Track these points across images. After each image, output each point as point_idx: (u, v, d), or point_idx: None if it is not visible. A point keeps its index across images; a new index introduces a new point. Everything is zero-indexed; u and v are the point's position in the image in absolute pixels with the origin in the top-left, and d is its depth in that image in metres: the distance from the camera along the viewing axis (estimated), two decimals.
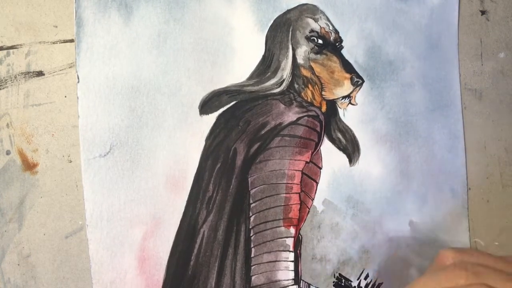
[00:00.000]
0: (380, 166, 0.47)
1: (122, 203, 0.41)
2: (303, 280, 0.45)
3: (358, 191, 0.46)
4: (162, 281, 0.42)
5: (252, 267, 0.43)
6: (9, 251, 0.44)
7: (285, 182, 0.44)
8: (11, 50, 0.44)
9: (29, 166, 0.44)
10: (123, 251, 0.41)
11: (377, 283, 0.47)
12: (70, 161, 0.44)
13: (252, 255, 0.43)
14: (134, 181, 0.42)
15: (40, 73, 0.44)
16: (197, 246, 0.43)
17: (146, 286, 0.42)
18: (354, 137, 0.46)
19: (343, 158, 0.46)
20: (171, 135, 0.42)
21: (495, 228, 0.50)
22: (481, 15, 0.50)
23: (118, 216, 0.41)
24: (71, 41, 0.44)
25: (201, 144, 0.43)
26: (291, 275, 0.44)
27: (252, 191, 0.43)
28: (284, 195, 0.44)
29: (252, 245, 0.43)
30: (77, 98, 0.42)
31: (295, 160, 0.44)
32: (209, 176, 0.43)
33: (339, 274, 0.46)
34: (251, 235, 0.43)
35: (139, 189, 0.42)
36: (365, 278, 0.46)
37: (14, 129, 0.44)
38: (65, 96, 0.44)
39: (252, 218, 0.43)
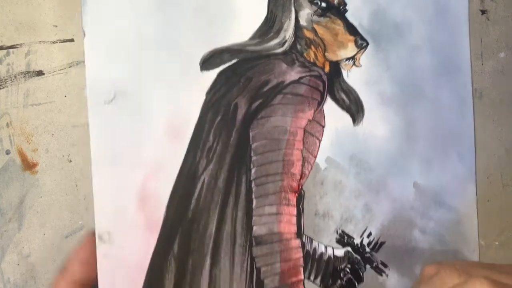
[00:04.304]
0: (384, 127, 0.46)
1: (125, 146, 0.42)
2: (305, 235, 0.45)
3: (362, 150, 0.46)
4: (161, 221, 0.42)
5: (254, 218, 0.43)
6: (9, 251, 0.44)
7: (287, 137, 0.44)
8: (11, 50, 0.44)
9: (29, 165, 0.44)
10: (125, 187, 0.41)
11: (379, 242, 0.46)
12: (70, 161, 0.44)
13: (254, 206, 0.43)
14: (136, 127, 0.42)
15: (40, 73, 0.44)
16: (197, 191, 0.42)
17: (146, 222, 0.42)
18: (358, 98, 0.46)
19: (347, 117, 0.46)
20: (172, 88, 0.43)
21: (495, 228, 0.50)
22: (481, 14, 0.50)
23: (120, 158, 0.42)
24: (71, 40, 0.44)
25: (202, 98, 0.43)
26: (293, 228, 0.44)
27: (253, 145, 0.43)
28: (286, 150, 0.44)
29: (253, 196, 0.43)
30: (83, 52, 0.42)
31: (298, 117, 0.44)
32: (209, 128, 0.43)
33: (342, 230, 0.45)
34: (252, 186, 0.43)
35: (140, 136, 0.42)
36: (368, 236, 0.46)
37: (14, 128, 0.44)
38: (65, 96, 0.44)
39: (253, 171, 0.43)
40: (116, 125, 0.42)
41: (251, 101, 0.44)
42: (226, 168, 0.43)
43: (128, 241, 0.41)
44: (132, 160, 0.42)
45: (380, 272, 0.46)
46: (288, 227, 0.44)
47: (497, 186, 0.50)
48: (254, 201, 0.43)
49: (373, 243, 0.46)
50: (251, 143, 0.43)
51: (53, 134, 0.44)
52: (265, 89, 0.44)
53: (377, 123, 0.47)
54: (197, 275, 0.42)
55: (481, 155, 0.50)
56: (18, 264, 0.44)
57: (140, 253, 0.41)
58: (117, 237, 0.41)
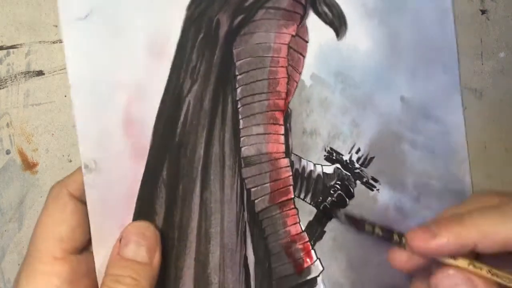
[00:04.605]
0: (368, 41, 0.46)
1: (105, 67, 0.40)
2: (294, 154, 0.44)
3: (347, 66, 0.45)
4: (148, 146, 0.41)
5: (241, 139, 0.42)
6: (9, 250, 0.44)
7: (271, 55, 0.43)
8: (11, 50, 0.44)
9: (29, 165, 0.44)
10: (108, 112, 0.40)
11: (368, 157, 0.46)
12: (70, 161, 0.45)
13: (241, 127, 0.42)
14: (115, 46, 0.40)
15: (40, 73, 0.44)
16: (183, 114, 0.41)
17: (132, 149, 0.40)
18: (341, 11, 0.45)
19: (330, 32, 0.45)
20: (151, 3, 0.41)
21: None
22: (481, 14, 0.50)
23: (100, 80, 0.40)
24: None
25: (183, 13, 0.42)
26: (282, 148, 0.43)
27: (237, 63, 0.42)
28: (271, 68, 0.43)
29: (240, 117, 0.42)
30: None
31: (281, 33, 0.43)
32: (192, 46, 0.42)
33: (330, 148, 0.45)
34: (238, 107, 0.42)
35: (120, 55, 0.40)
36: (357, 152, 0.46)
37: (14, 128, 0.44)
38: (65, 96, 0.45)
39: (239, 90, 0.42)
40: (92, 44, 0.40)
41: (232, 17, 0.43)
42: (211, 89, 0.42)
43: (116, 169, 0.40)
44: (112, 82, 0.40)
45: (371, 187, 0.46)
46: (276, 146, 0.43)
47: (497, 186, 0.50)
48: (241, 122, 0.43)
49: (362, 158, 0.46)
50: (235, 61, 0.43)
51: (53, 134, 0.44)
52: (247, 3, 0.43)
53: (361, 37, 0.46)
54: (188, 200, 0.42)
55: (481, 155, 0.50)
56: (18, 264, 0.44)
57: (128, 181, 0.40)
58: (104, 165, 0.40)
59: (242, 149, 0.43)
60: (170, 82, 0.42)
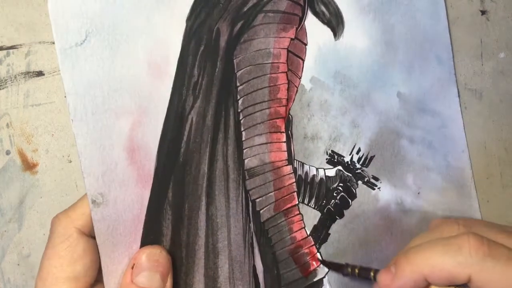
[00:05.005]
0: (364, 38, 0.46)
1: (106, 94, 0.39)
2: (296, 160, 0.45)
3: (345, 65, 0.46)
4: (153, 170, 0.40)
5: (244, 151, 0.42)
6: (9, 251, 0.44)
7: (271, 61, 0.43)
8: (11, 50, 0.44)
9: (29, 166, 0.44)
10: (112, 143, 0.39)
11: (369, 157, 0.46)
12: (70, 161, 0.45)
13: (243, 139, 0.42)
14: (115, 70, 0.39)
15: (40, 73, 0.44)
16: (186, 133, 0.41)
17: (137, 176, 0.40)
18: (338, 9, 0.45)
19: (327, 32, 0.45)
20: (149, 17, 0.40)
21: None
22: (481, 15, 0.50)
23: (102, 108, 0.39)
24: None
25: (182, 26, 0.41)
26: (284, 155, 0.44)
27: (238, 73, 0.42)
28: (271, 75, 0.43)
29: (242, 129, 0.42)
30: None
31: (280, 37, 0.43)
32: (193, 60, 0.41)
33: (332, 150, 0.45)
34: (240, 118, 0.42)
35: (121, 79, 0.39)
36: (357, 153, 0.46)
37: (14, 129, 0.44)
38: (65, 96, 0.44)
39: (240, 101, 0.42)
40: (91, 70, 0.39)
41: (232, 24, 0.42)
42: (214, 103, 0.42)
43: (122, 198, 0.39)
44: (114, 109, 0.39)
45: (372, 186, 0.47)
46: (278, 155, 0.44)
47: (497, 186, 0.50)
48: (244, 134, 0.43)
49: (363, 158, 0.47)
50: (236, 71, 0.43)
51: (53, 134, 0.44)
52: (246, 8, 0.43)
53: (357, 34, 0.46)
54: (194, 218, 0.42)
55: (481, 155, 0.50)
56: (18, 264, 0.44)
57: (135, 208, 0.40)
58: (110, 197, 0.39)
59: (246, 161, 0.43)
60: (172, 101, 0.41)
